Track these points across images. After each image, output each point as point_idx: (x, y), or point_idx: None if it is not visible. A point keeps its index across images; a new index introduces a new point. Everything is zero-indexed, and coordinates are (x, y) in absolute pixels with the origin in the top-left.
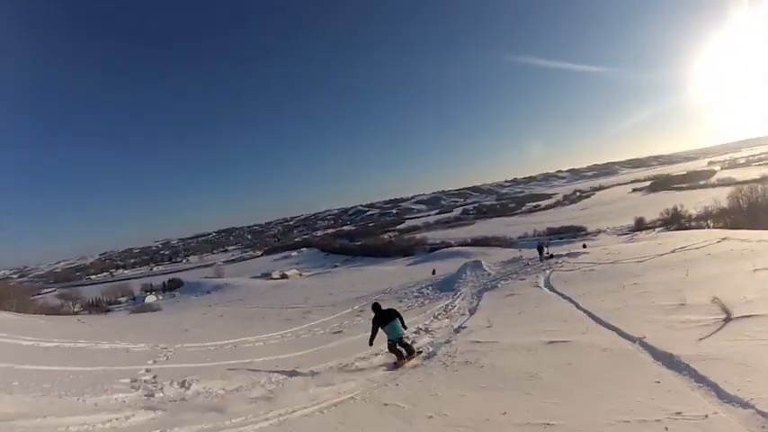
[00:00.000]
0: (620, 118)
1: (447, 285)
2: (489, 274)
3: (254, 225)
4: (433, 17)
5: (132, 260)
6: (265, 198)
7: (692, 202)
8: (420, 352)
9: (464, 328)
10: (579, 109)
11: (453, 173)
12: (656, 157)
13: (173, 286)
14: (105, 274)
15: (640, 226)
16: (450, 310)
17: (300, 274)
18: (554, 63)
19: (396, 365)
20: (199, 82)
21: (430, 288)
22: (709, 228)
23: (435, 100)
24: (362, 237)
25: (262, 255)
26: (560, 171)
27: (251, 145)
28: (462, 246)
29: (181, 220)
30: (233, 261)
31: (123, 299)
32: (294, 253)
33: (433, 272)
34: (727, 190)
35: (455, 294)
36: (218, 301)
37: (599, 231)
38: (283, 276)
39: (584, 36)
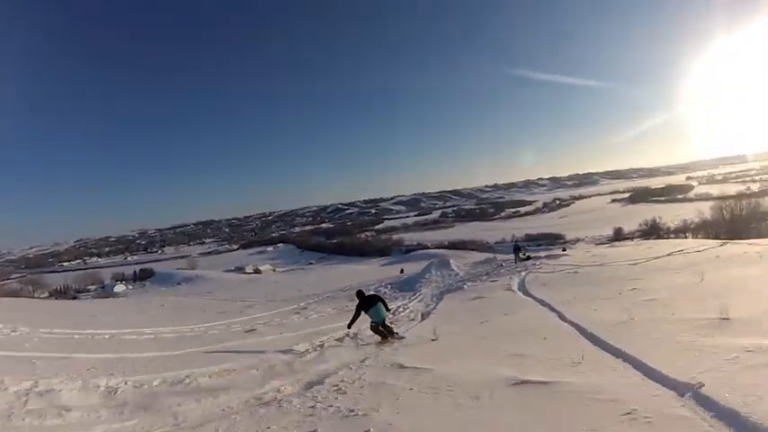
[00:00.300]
0: (602, 130)
1: (408, 285)
2: (457, 275)
3: (233, 219)
4: (420, 20)
5: (107, 248)
6: (245, 192)
7: (671, 214)
8: (403, 337)
9: (401, 339)
10: (563, 119)
11: (434, 175)
12: (636, 170)
13: (144, 276)
14: (78, 261)
15: (619, 236)
16: (400, 313)
17: (274, 270)
18: (541, 74)
19: (381, 344)
20: (181, 74)
21: (389, 287)
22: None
23: (418, 101)
24: (340, 235)
25: (238, 249)
26: (541, 179)
27: (233, 138)
28: (439, 248)
29: (160, 210)
30: (209, 254)
31: (93, 287)
32: (270, 248)
33: (401, 271)
34: (706, 204)
35: (413, 295)
36: (186, 292)
37: (577, 240)
38: (256, 271)
39: (572, 49)
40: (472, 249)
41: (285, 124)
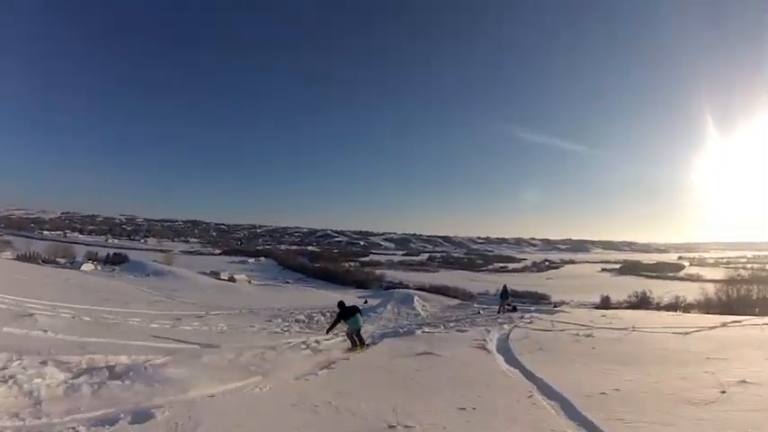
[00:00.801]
0: (600, 200)
1: None
2: (417, 315)
3: (222, 224)
4: (422, 69)
5: (91, 227)
6: (239, 201)
7: (660, 290)
8: (369, 345)
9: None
10: (560, 184)
11: (428, 219)
12: (629, 243)
13: (117, 261)
14: (59, 233)
15: (606, 304)
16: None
17: (249, 282)
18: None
19: (350, 350)
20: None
21: (328, 314)
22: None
23: (421, 149)
24: (324, 260)
25: (220, 254)
26: (534, 238)
27: (239, 147)
28: (420, 290)
29: (152, 201)
30: (190, 253)
31: (63, 260)
32: (252, 260)
33: (365, 302)
34: (695, 285)
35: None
36: (153, 285)
37: (562, 302)
38: (231, 279)
39: (573, 114)
40: (453, 297)
41: (289, 144)
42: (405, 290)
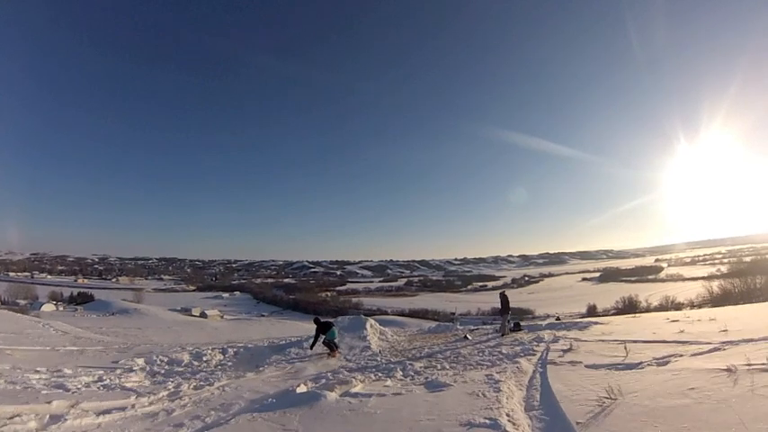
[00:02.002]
0: (574, 212)
1: (255, 358)
2: (367, 348)
3: (197, 260)
4: (414, 98)
5: (61, 267)
6: (214, 236)
7: (644, 293)
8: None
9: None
10: (536, 197)
11: (404, 244)
12: (605, 251)
13: (81, 300)
14: (27, 274)
15: (593, 313)
16: None
17: (222, 317)
18: (519, 143)
19: (330, 355)
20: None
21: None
22: None
23: (392, 171)
24: (300, 292)
25: (194, 290)
26: (511, 255)
27: (214, 185)
28: (398, 315)
29: (125, 239)
30: (162, 290)
31: (23, 301)
32: (226, 295)
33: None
34: (677, 284)
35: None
36: (116, 324)
37: (548, 316)
38: (202, 315)
39: (558, 118)
40: (433, 319)
41: (262, 178)
42: (398, 318)
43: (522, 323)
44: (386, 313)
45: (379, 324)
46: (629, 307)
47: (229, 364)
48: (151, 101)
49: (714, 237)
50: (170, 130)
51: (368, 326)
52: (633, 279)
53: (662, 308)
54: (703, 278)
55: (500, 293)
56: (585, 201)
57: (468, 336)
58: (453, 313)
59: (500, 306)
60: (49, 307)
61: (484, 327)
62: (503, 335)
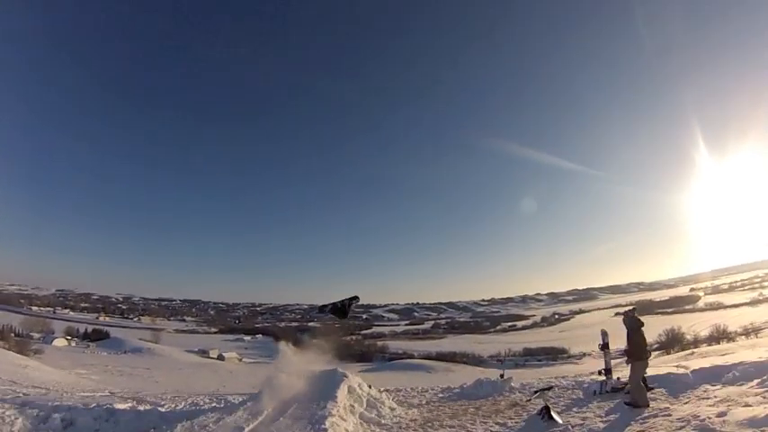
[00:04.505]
0: (601, 240)
1: None
2: None
3: (221, 303)
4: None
5: (85, 304)
6: (240, 279)
7: (685, 324)
8: None
9: None
10: (560, 232)
11: (431, 286)
12: (636, 284)
13: (95, 337)
14: (49, 309)
15: None
16: None
17: (240, 359)
18: (538, 154)
19: None
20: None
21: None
22: None
23: (419, 214)
24: (324, 335)
25: (216, 332)
26: (539, 294)
27: (240, 227)
28: (426, 359)
29: (151, 280)
30: (183, 331)
31: (38, 335)
32: (248, 338)
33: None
34: (718, 313)
35: None
36: (125, 363)
37: (583, 354)
38: (219, 357)
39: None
40: (462, 362)
41: (289, 224)
42: (425, 361)
43: (553, 386)
44: (412, 356)
45: (408, 368)
46: (673, 341)
47: None
48: (191, 149)
49: (744, 261)
50: (191, 174)
51: (339, 392)
52: (670, 311)
53: (712, 338)
54: (747, 304)
55: (625, 315)
56: (614, 229)
57: (552, 414)
58: (511, 383)
59: (626, 342)
60: (60, 342)
61: (554, 383)
62: (635, 405)
